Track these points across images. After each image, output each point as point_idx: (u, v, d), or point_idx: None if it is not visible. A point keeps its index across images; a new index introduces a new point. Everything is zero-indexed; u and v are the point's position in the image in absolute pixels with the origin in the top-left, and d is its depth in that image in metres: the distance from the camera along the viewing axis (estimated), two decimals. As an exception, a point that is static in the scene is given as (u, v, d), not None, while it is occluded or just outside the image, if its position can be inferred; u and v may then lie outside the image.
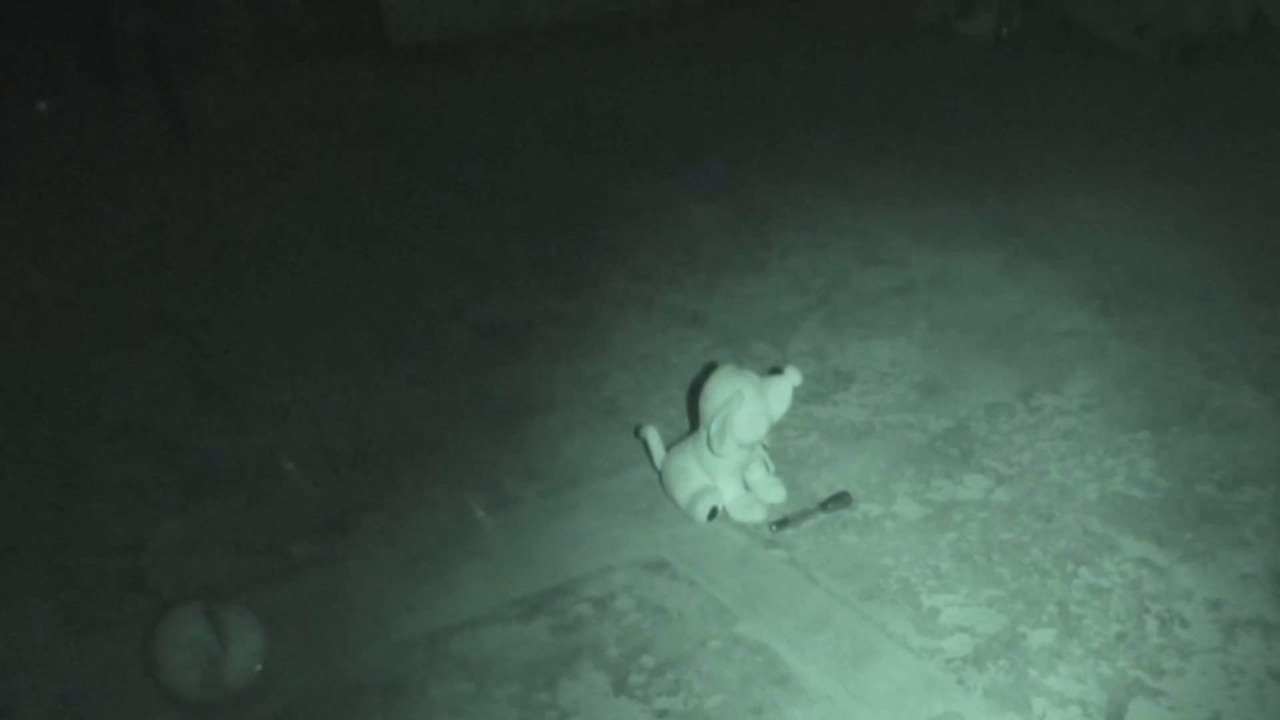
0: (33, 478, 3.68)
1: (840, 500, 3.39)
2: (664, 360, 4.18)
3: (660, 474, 3.44)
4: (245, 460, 3.74)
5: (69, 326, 4.64)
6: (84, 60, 7.22)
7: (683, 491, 3.35)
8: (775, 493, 3.42)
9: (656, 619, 3.00)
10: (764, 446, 3.41)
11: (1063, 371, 3.98)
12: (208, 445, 3.83)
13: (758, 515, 3.34)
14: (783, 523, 3.32)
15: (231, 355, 4.39)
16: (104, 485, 3.64)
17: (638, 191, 5.74)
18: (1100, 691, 2.72)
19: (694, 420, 3.31)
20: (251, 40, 7.67)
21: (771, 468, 3.44)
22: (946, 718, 2.69)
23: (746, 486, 3.39)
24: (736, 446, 3.23)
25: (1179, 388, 3.85)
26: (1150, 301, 4.41)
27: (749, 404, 3.19)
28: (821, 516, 3.36)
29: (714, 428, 3.18)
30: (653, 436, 3.49)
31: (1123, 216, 5.20)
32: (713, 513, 3.31)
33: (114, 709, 2.76)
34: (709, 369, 3.32)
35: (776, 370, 3.26)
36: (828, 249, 5.02)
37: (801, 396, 3.78)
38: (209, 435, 3.89)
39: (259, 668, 2.80)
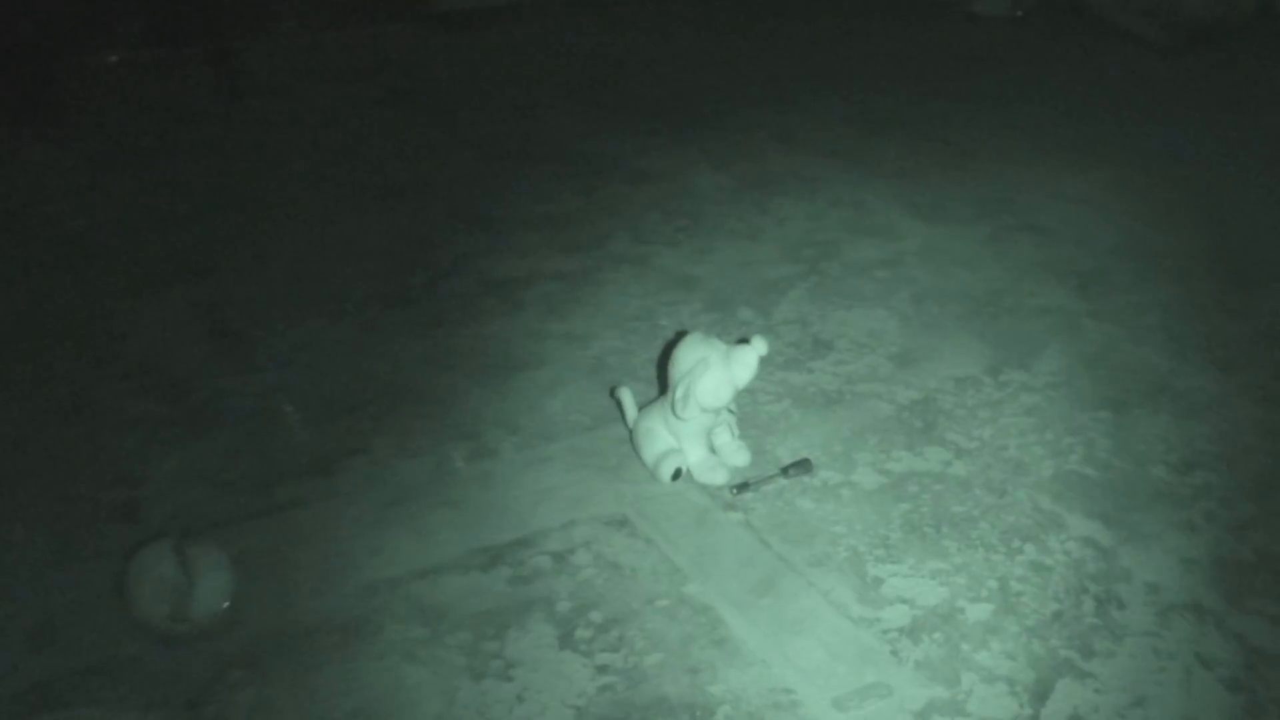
0: (47, 409, 3.65)
1: (801, 466, 3.27)
2: (653, 322, 4.07)
3: (631, 434, 3.33)
4: (246, 402, 3.67)
5: (101, 269, 4.60)
6: (147, 18, 7.19)
7: (649, 452, 3.25)
8: (739, 456, 3.31)
9: (610, 575, 2.90)
10: (730, 411, 3.30)
11: (1034, 348, 3.84)
12: (214, 386, 3.77)
13: (720, 478, 3.23)
14: (743, 486, 3.21)
15: (247, 301, 4.31)
16: (112, 420, 3.59)
17: (649, 157, 5.64)
18: (1029, 670, 2.60)
19: (664, 384, 3.18)
20: (302, 4, 7.63)
21: (736, 432, 3.33)
22: (875, 688, 2.57)
23: (712, 450, 3.28)
24: (700, 411, 3.13)
25: (1145, 369, 3.70)
26: (1127, 282, 4.23)
27: (714, 371, 3.09)
28: (782, 481, 3.25)
29: (679, 392, 3.07)
30: (626, 397, 3.39)
31: (1110, 196, 5.03)
32: (676, 474, 3.21)
33: (88, 636, 2.72)
34: (679, 335, 3.18)
35: (744, 340, 3.12)
36: (823, 219, 4.89)
37: (778, 363, 3.74)
38: (216, 377, 3.82)
39: (225, 604, 2.75)
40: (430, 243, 4.77)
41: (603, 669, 2.62)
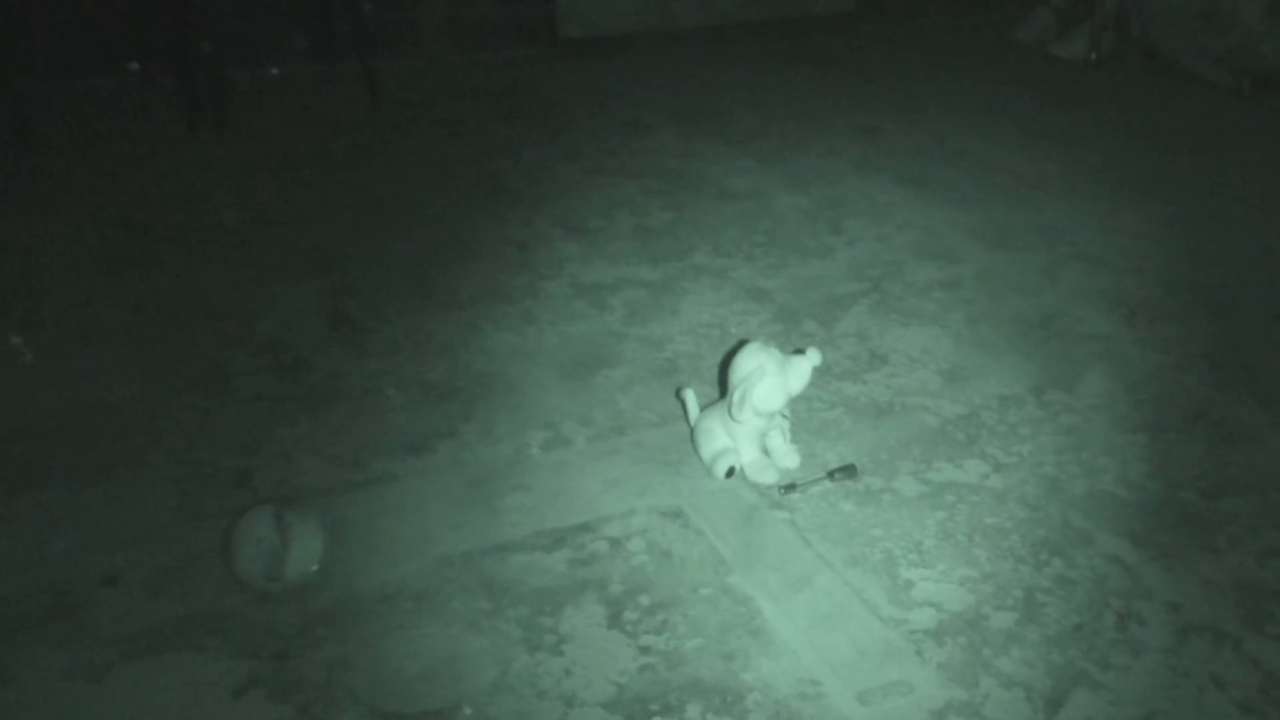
0: (184, 382, 3.71)
1: (847, 471, 3.18)
2: (724, 329, 4.00)
3: (691, 432, 3.26)
4: (355, 384, 3.69)
5: (244, 259, 4.67)
6: (309, 37, 7.42)
7: (707, 450, 3.18)
8: (790, 459, 3.22)
9: (661, 563, 2.84)
10: (784, 416, 3.21)
11: (1079, 371, 3.70)
12: (329, 368, 3.78)
13: (770, 478, 3.14)
14: (791, 487, 3.13)
15: (367, 293, 4.33)
16: (239, 395, 3.64)
17: (736, 178, 5.55)
18: (1047, 678, 2.48)
19: (725, 388, 3.10)
20: (443, 27, 7.79)
21: (788, 436, 3.24)
22: (898, 686, 2.46)
23: (765, 451, 3.20)
24: (754, 415, 3.05)
25: (1184, 396, 3.54)
26: (1175, 312, 4.06)
27: (769, 378, 3.02)
28: (828, 484, 3.16)
29: (736, 397, 3.00)
30: (690, 398, 3.32)
31: (1166, 231, 4.84)
32: (730, 471, 3.14)
33: (197, 588, 2.77)
34: (740, 343, 3.10)
35: (801, 350, 3.05)
36: (890, 241, 4.76)
37: (834, 373, 3.67)
38: (333, 360, 3.84)
39: (315, 567, 2.78)
40: (533, 248, 4.74)
41: (645, 650, 2.56)
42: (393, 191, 5.42)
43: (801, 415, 3.42)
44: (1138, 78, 7.53)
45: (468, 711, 2.40)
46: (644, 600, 2.73)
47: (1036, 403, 3.56)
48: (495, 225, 5.01)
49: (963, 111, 6.76)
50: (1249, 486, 3.12)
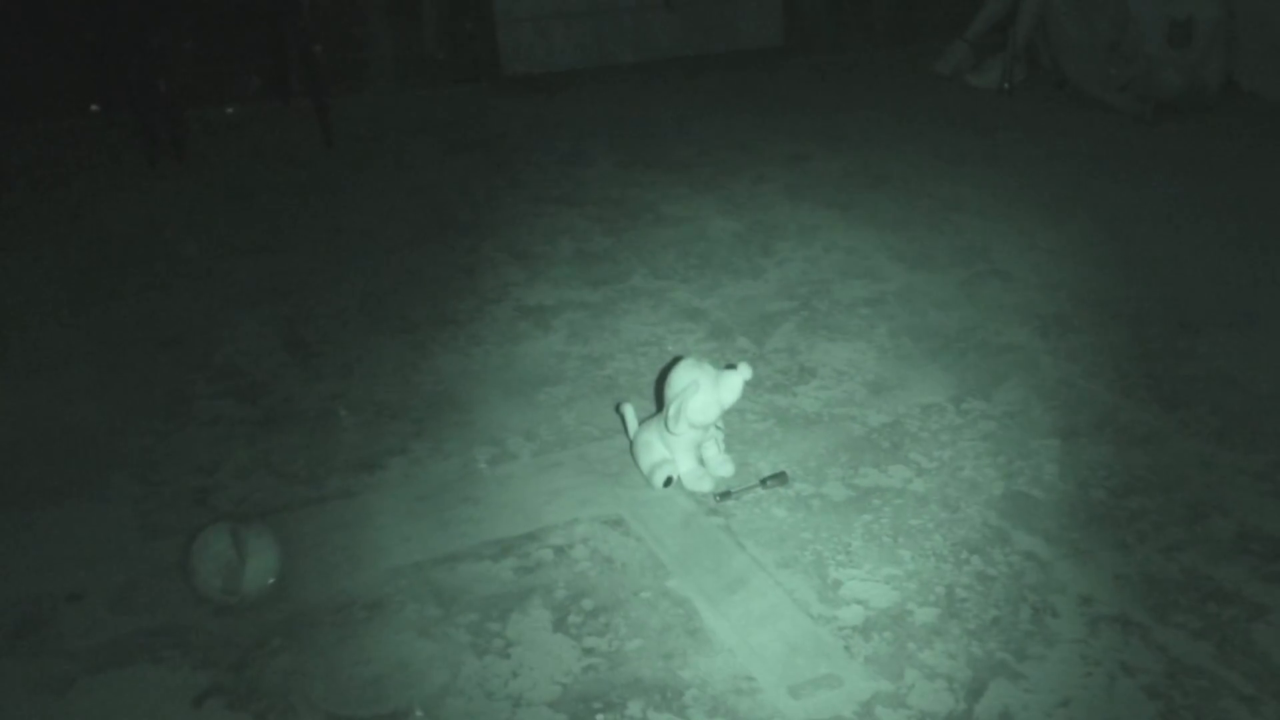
0: (145, 407, 3.70)
1: (779, 478, 3.20)
2: (661, 347, 4.01)
3: (631, 444, 3.27)
4: (311, 405, 3.68)
5: (203, 289, 4.67)
6: (262, 76, 7.51)
7: (646, 461, 3.20)
8: (724, 468, 3.23)
9: (603, 568, 2.85)
10: (718, 428, 3.22)
11: (996, 381, 3.71)
12: (285, 391, 3.78)
13: (706, 486, 3.16)
14: (726, 494, 3.14)
15: (321, 319, 4.33)
16: (198, 418, 3.64)
17: (673, 204, 5.57)
18: (968, 669, 2.49)
19: (661, 402, 3.11)
20: (392, 65, 7.86)
21: (723, 446, 3.25)
22: (828, 679, 2.47)
23: (701, 461, 3.21)
24: (690, 427, 3.07)
25: (1094, 402, 3.56)
26: (1085, 324, 4.10)
27: (703, 392, 3.04)
28: (760, 491, 3.17)
29: (672, 410, 3.02)
30: (629, 412, 3.33)
31: (1078, 248, 4.87)
32: (668, 481, 3.16)
33: (160, 600, 2.76)
34: (675, 360, 3.10)
35: (732, 365, 3.07)
36: (818, 261, 4.78)
37: (766, 386, 3.68)
38: (288, 383, 3.84)
39: (272, 580, 2.77)
40: (480, 274, 4.75)
41: (589, 651, 2.56)
42: (346, 222, 5.42)
43: (735, 426, 3.43)
44: (1048, 105, 7.60)
45: (419, 714, 2.40)
46: (587, 604, 2.73)
47: (956, 411, 3.58)
48: (444, 253, 5.02)
49: (886, 139, 6.80)
50: (1154, 485, 3.14)
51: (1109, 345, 4.01)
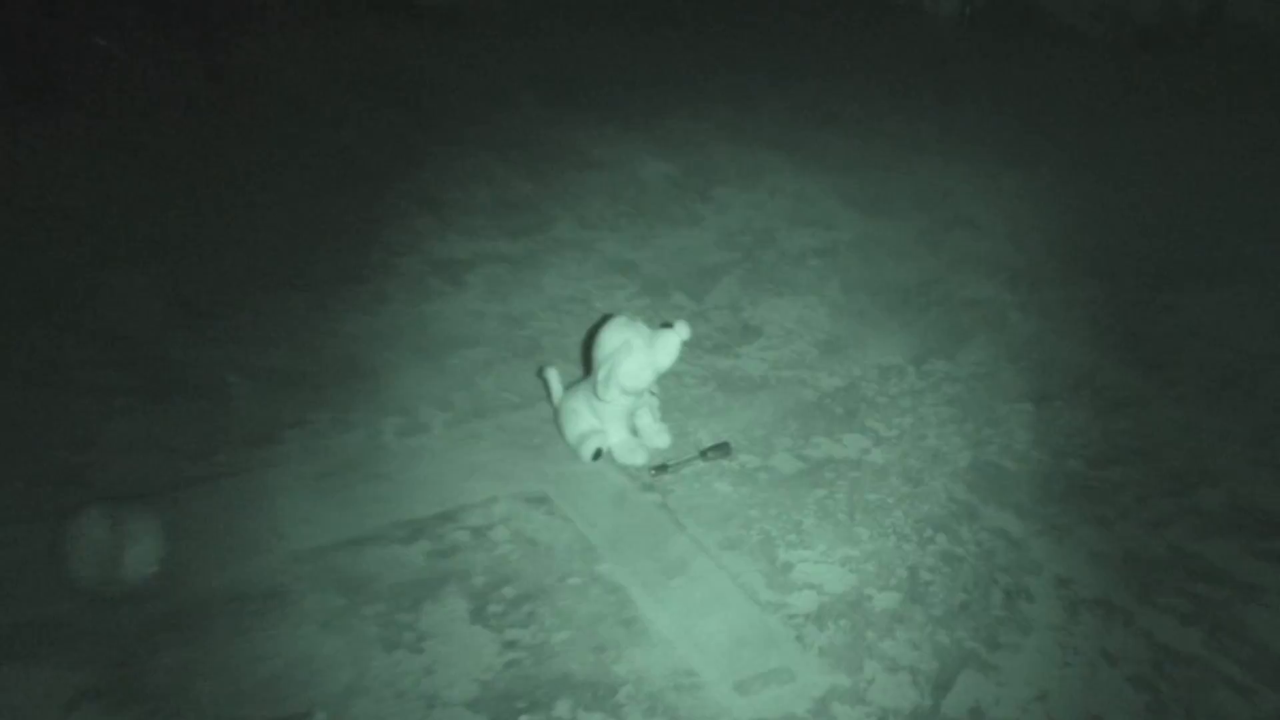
0: (13, 374, 3.55)
1: (721, 450, 3.16)
2: (589, 304, 3.95)
3: (555, 413, 3.23)
4: (198, 372, 3.57)
5: (81, 244, 4.47)
6: (142, 4, 7.18)
7: (572, 431, 3.15)
8: (660, 439, 3.20)
9: (526, 552, 2.80)
10: (653, 394, 3.20)
11: (960, 339, 3.71)
12: (170, 356, 3.65)
13: (639, 459, 3.12)
14: (662, 468, 3.10)
15: (209, 276, 4.19)
16: (72, 386, 3.50)
17: (602, 147, 5.50)
18: (933, 660, 2.48)
19: (588, 366, 3.08)
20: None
21: (658, 415, 3.22)
22: (778, 673, 2.45)
23: (633, 431, 3.18)
24: (621, 393, 3.02)
25: (1068, 363, 3.56)
26: (1058, 276, 4.09)
27: (636, 355, 3.00)
28: (701, 464, 3.13)
29: (601, 375, 2.98)
30: (553, 377, 3.28)
31: (1048, 194, 4.89)
32: (597, 454, 3.11)
33: (25, 593, 2.65)
34: (604, 318, 3.05)
35: (668, 324, 3.01)
36: (763, 208, 4.75)
37: (706, 347, 3.63)
38: (173, 348, 3.71)
39: (155, 568, 2.69)
40: (386, 224, 4.64)
41: (511, 644, 2.53)
42: (238, 170, 5.26)
43: (671, 392, 3.40)
44: (1012, 34, 7.59)
45: (322, 716, 2.36)
46: (509, 592, 2.69)
47: (917, 373, 3.56)
48: (345, 201, 4.91)
49: (836, 73, 6.78)
50: (1136, 454, 3.14)
51: (1084, 299, 4.00)
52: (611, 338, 3.02)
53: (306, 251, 4.33)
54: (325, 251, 4.34)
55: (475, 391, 3.48)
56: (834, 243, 4.40)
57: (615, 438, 3.14)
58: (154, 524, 2.74)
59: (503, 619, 2.60)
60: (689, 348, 2.96)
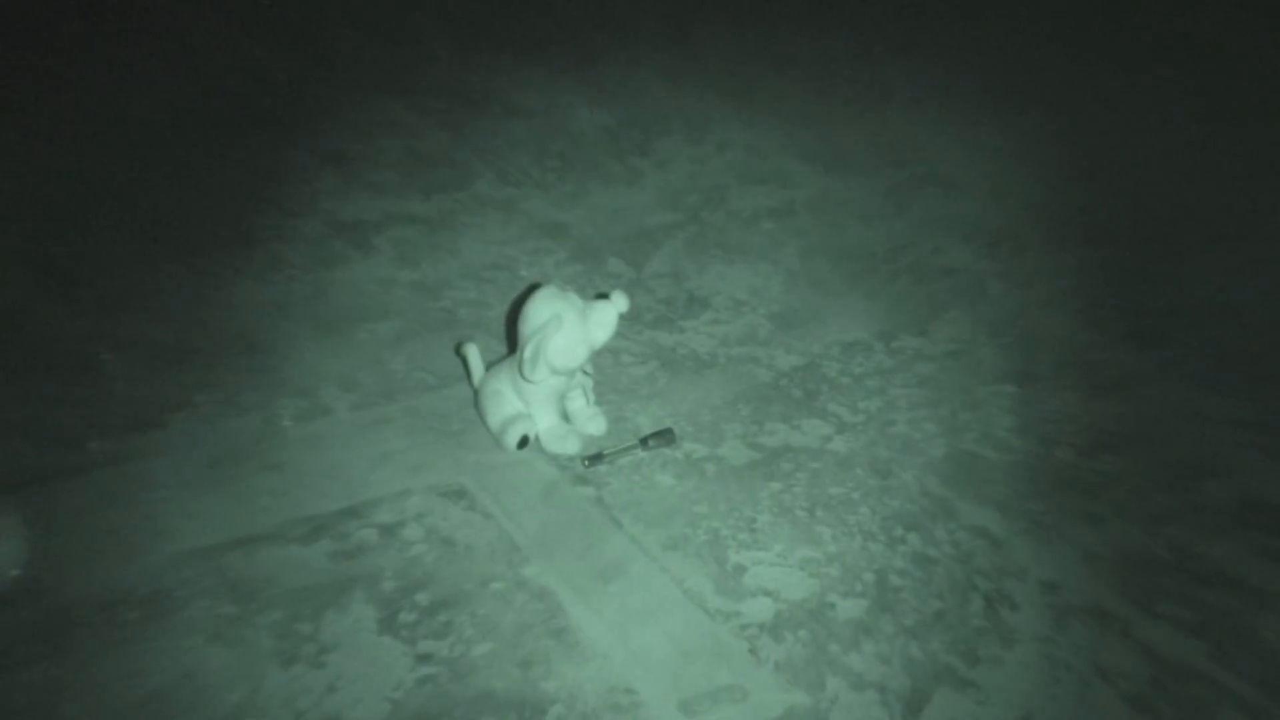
0: None
1: (663, 437, 3.16)
2: (513, 272, 3.93)
3: (476, 395, 3.22)
4: (69, 348, 3.53)
5: None
6: None
7: (495, 416, 3.14)
8: (594, 424, 3.20)
9: (442, 553, 2.79)
10: (586, 374, 3.18)
11: (934, 312, 3.72)
12: (34, 329, 3.61)
13: (571, 448, 3.12)
14: (597, 457, 3.10)
15: (80, 238, 4.13)
16: None
17: (526, 91, 5.47)
18: (904, 676, 2.48)
19: (513, 342, 3.07)
20: None
21: (592, 397, 3.22)
22: (729, 691, 2.44)
23: (564, 416, 3.17)
24: (550, 373, 3.01)
25: (1055, 339, 3.57)
26: (1042, 242, 4.11)
27: (567, 329, 2.98)
28: (641, 454, 3.14)
29: (528, 352, 2.95)
30: (473, 354, 3.27)
31: (1032, 147, 4.88)
32: (523, 441, 3.10)
33: None
34: (532, 288, 3.02)
35: (604, 295, 3.00)
36: (709, 163, 4.73)
37: (647, 320, 3.63)
38: (39, 320, 3.66)
39: (16, 571, 2.66)
40: (282, 180, 4.59)
41: (425, 658, 2.51)
42: (111, 116, 5.18)
43: (608, 371, 3.39)
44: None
45: (209, 741, 2.25)
46: (423, 599, 2.68)
47: (885, 350, 3.57)
48: (235, 154, 4.84)
49: (792, 10, 6.76)
50: (1132, 441, 3.15)
51: (1072, 268, 4.02)
52: (539, 310, 2.99)
53: (191, 211, 4.28)
54: (213, 211, 4.28)
55: (384, 370, 3.46)
56: (790, 202, 4.38)
57: (543, 423, 3.13)
58: (17, 521, 2.71)
59: (416, 629, 2.58)
60: (627, 321, 2.96)
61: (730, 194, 4.43)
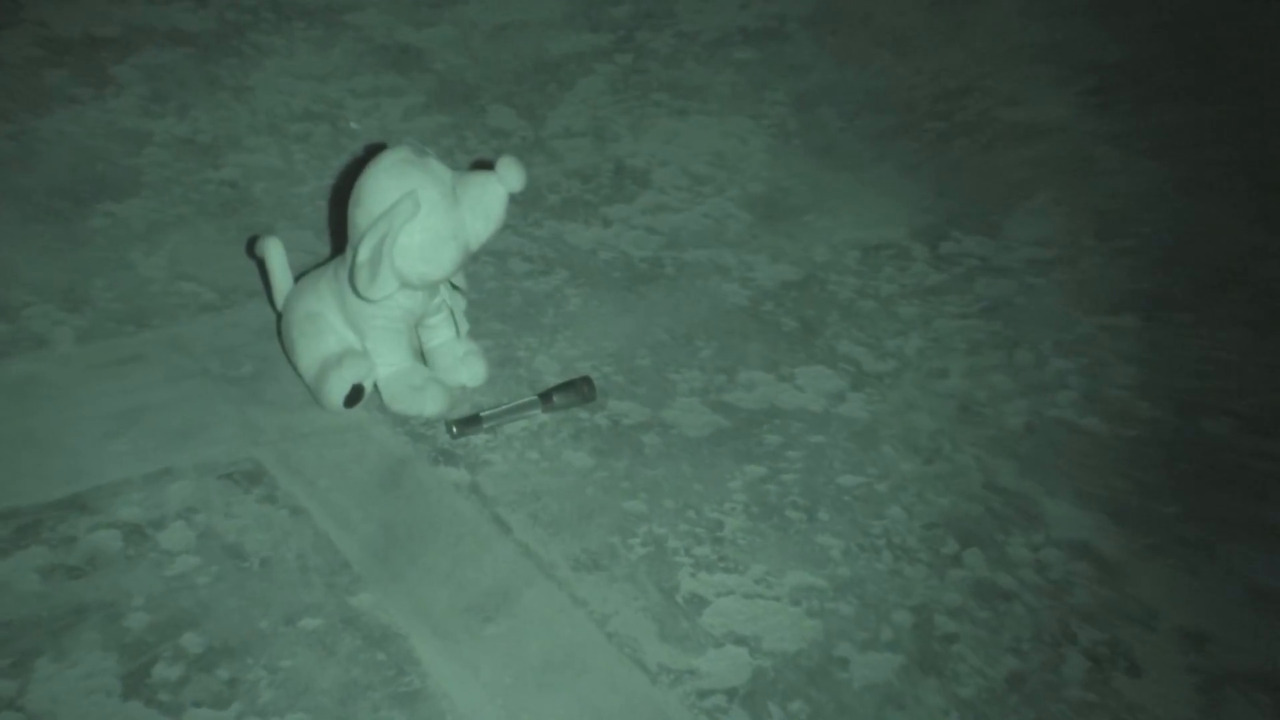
0: None
1: (576, 391, 3.18)
2: (334, 124, 3.94)
3: (280, 320, 3.22)
4: None
5: None
6: None
7: (309, 354, 3.14)
8: (468, 370, 3.23)
9: (224, 570, 2.79)
10: (456, 289, 3.18)
11: (1010, 197, 3.78)
12: None
13: (431, 406, 3.13)
14: (470, 421, 3.11)
15: None
16: None
17: None
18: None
19: (341, 237, 3.05)
20: None
21: (465, 327, 3.22)
22: (677, 795, 2.36)
23: (420, 356, 3.20)
24: (400, 287, 2.99)
25: (1206, 242, 3.66)
26: (1185, 85, 4.20)
27: (428, 217, 2.96)
28: (541, 416, 3.15)
29: (364, 253, 2.91)
30: (275, 255, 3.26)
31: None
32: (354, 394, 3.10)
33: None
34: (372, 152, 3.01)
35: (484, 165, 2.97)
36: (651, -49, 4.58)
37: (549, 206, 3.66)
38: None
39: None
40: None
41: (195, 740, 2.39)
42: None
43: (490, 286, 3.41)
44: None
45: None
46: (192, 643, 2.66)
47: (931, 257, 3.60)
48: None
49: None
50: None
51: (1230, 128, 4.03)
52: (384, 187, 2.98)
53: None
54: None
55: (132, 279, 3.47)
56: (778, 19, 4.40)
57: (388, 367, 3.14)
58: None
59: (180, 692, 2.56)
60: (520, 205, 2.93)
61: (681, 4, 4.42)
